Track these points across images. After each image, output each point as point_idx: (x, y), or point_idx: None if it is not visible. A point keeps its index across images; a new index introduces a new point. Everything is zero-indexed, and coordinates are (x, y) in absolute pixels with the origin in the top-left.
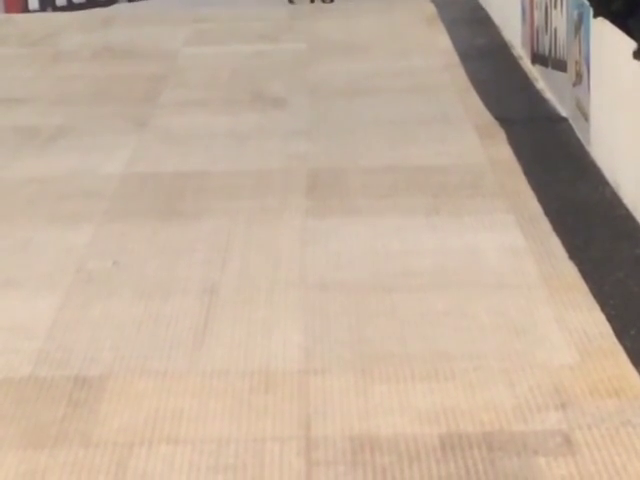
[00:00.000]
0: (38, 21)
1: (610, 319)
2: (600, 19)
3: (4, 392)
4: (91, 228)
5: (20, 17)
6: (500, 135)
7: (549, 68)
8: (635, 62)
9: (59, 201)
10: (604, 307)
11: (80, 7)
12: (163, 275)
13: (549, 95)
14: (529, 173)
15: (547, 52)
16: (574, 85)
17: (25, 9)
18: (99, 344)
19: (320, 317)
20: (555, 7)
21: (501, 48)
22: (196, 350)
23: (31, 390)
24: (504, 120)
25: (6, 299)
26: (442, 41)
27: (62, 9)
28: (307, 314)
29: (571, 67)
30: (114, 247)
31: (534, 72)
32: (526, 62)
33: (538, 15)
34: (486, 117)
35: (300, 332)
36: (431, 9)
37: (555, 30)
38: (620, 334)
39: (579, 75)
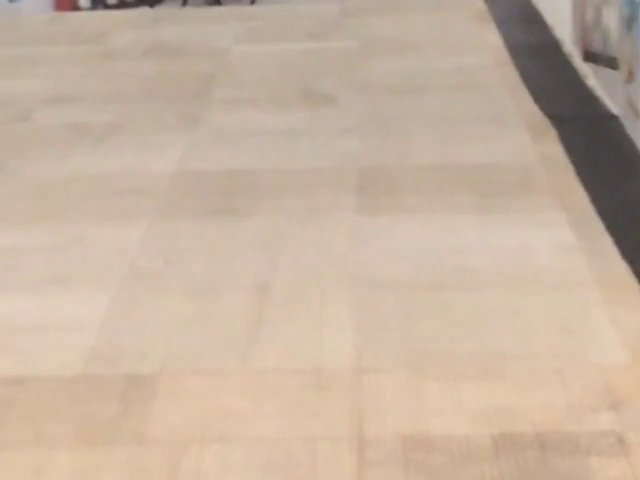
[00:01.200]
0: (89, 19)
1: None
2: None
3: (57, 390)
4: (143, 226)
5: (71, 15)
6: (551, 133)
7: (600, 66)
8: None
9: (111, 198)
10: None
11: (131, 5)
12: (214, 273)
13: (600, 93)
14: (580, 171)
15: (598, 50)
16: (626, 83)
17: (76, 7)
18: (151, 342)
19: (372, 315)
20: (607, 4)
21: (552, 46)
22: (248, 348)
23: (83, 388)
24: (555, 118)
25: (57, 296)
26: (492, 38)
27: (113, 7)
28: (359, 312)
29: (623, 65)
30: (165, 245)
31: (585, 70)
32: (577, 60)
33: (589, 12)
34: (537, 115)
35: (352, 331)
36: (481, 6)
37: (607, 27)
38: None
39: (631, 73)
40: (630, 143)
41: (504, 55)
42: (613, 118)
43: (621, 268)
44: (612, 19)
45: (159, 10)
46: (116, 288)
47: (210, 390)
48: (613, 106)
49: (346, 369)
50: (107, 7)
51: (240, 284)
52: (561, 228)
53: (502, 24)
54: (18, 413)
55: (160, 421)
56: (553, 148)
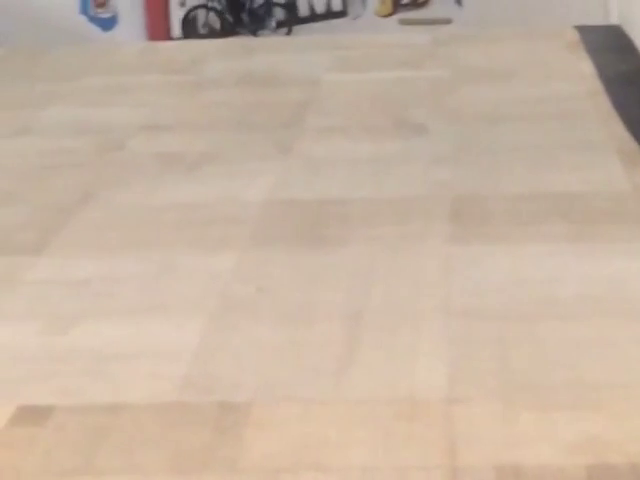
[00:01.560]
0: (181, 48)
1: None
2: None
3: (150, 417)
4: (235, 254)
5: (163, 44)
6: None
7: None
8: None
9: (203, 227)
10: None
11: (223, 34)
12: (307, 301)
13: None
14: None
15: None
16: None
17: (168, 36)
18: (244, 370)
19: (465, 345)
20: None
21: None
22: (340, 377)
23: (177, 415)
24: None
25: (151, 324)
26: (585, 67)
27: (205, 36)
28: (451, 342)
29: None
30: (258, 273)
31: None
32: None
33: None
34: (630, 144)
35: (445, 360)
36: (573, 35)
37: None
38: None
39: None
40: None
41: (596, 83)
42: None
43: None
44: None
45: (250, 39)
46: (209, 316)
47: (303, 418)
48: None
49: (439, 398)
50: (199, 36)
51: (333, 312)
52: None
53: (594, 53)
54: (112, 441)
55: (253, 449)
56: None
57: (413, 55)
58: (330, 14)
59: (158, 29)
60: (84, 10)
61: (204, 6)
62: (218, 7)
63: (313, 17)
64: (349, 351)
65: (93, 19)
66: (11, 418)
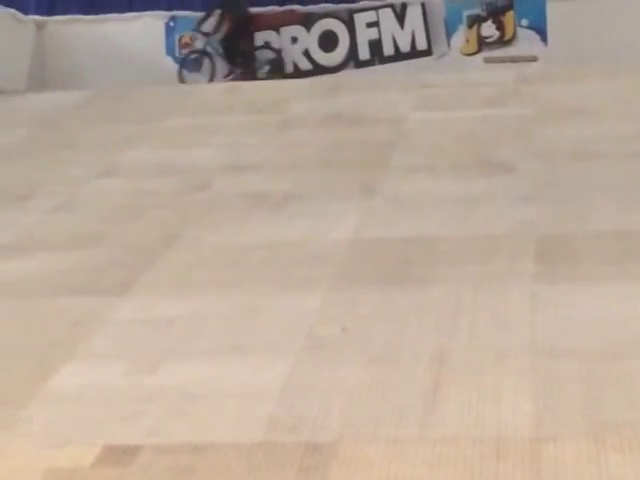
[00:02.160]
0: (266, 88)
1: None
2: None
3: (236, 458)
4: (320, 294)
5: (248, 84)
6: None
7: None
8: None
9: (288, 267)
10: None
11: (307, 74)
12: (392, 341)
13: None
14: None
15: None
16: None
17: (253, 77)
18: (329, 410)
19: (551, 384)
20: None
21: None
22: (426, 416)
23: (262, 456)
24: None
25: (237, 365)
26: None
27: (289, 76)
28: (537, 381)
29: None
30: (343, 313)
31: None
32: None
33: None
34: None
35: (530, 399)
36: None
37: None
38: None
39: None
40: None
41: None
42: None
43: None
44: None
45: (335, 78)
46: (294, 356)
47: (389, 458)
48: None
49: (525, 438)
50: (284, 76)
51: (418, 351)
52: None
53: None
54: None
55: None
56: None
57: (498, 93)
58: (415, 53)
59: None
60: (170, 51)
61: (202, 51)
62: (211, 51)
63: (397, 56)
64: (435, 390)
65: (179, 60)
66: (97, 457)
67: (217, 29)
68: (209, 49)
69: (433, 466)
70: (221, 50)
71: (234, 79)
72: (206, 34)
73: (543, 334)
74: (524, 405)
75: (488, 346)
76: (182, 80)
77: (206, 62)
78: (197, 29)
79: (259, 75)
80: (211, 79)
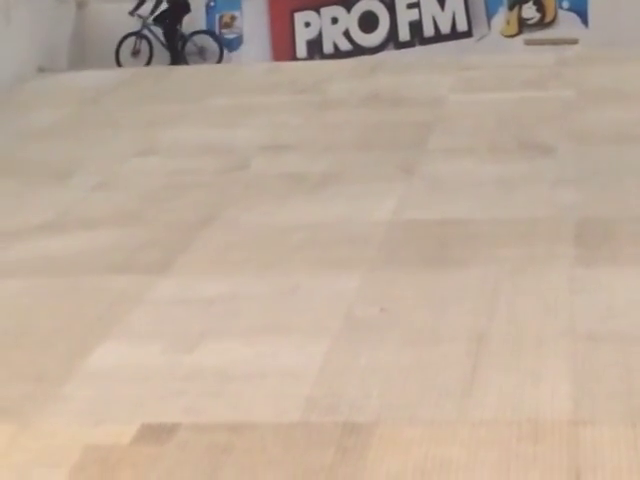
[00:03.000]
0: (306, 69)
1: None
2: None
3: (274, 437)
4: (359, 275)
5: (288, 65)
6: None
7: None
8: None
9: (327, 247)
10: None
11: (347, 55)
12: (431, 322)
13: None
14: None
15: None
16: None
17: (293, 57)
18: (367, 391)
19: (589, 368)
20: None
21: None
22: (464, 399)
23: (300, 436)
24: None
25: (275, 345)
26: None
27: (329, 57)
28: (576, 364)
29: None
30: (381, 294)
31: None
32: None
33: None
34: None
35: (569, 382)
36: None
37: None
38: None
39: None
40: None
41: None
42: None
43: None
44: None
45: (375, 59)
46: (333, 337)
47: (426, 439)
48: None
49: (563, 421)
50: (324, 57)
51: (456, 334)
52: None
53: None
54: (235, 459)
55: (376, 469)
56: None
57: (539, 75)
58: (455, 34)
59: (283, 49)
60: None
61: (136, 33)
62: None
63: (438, 37)
64: (473, 373)
65: (218, 39)
66: (135, 436)
67: (153, 12)
68: (147, 33)
69: (471, 448)
70: (160, 35)
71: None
72: (142, 17)
73: (582, 318)
74: (562, 388)
75: (527, 329)
76: (119, 64)
77: (144, 46)
78: (132, 13)
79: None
80: (148, 63)
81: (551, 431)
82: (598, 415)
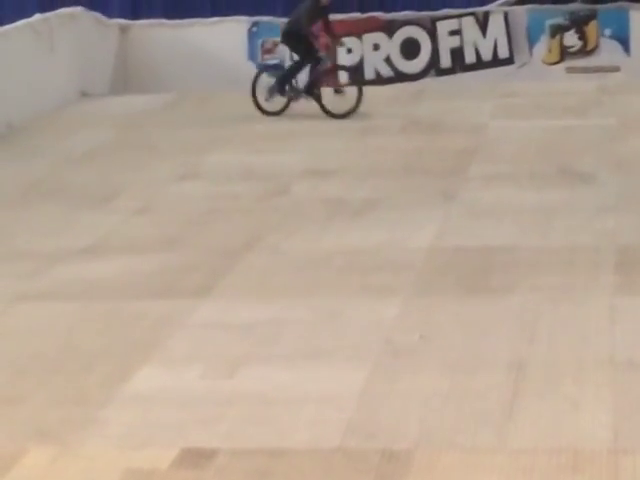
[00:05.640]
0: (347, 95)
1: None
2: None
3: (313, 463)
4: (399, 301)
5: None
6: None
7: None
8: None
9: (367, 273)
10: None
11: (388, 81)
12: (470, 349)
13: None
14: None
15: None
16: None
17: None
18: (406, 417)
19: (629, 396)
20: None
21: None
22: (503, 426)
23: (339, 461)
24: None
25: (315, 370)
26: None
27: (371, 83)
28: (616, 393)
29: None
30: (421, 320)
31: None
32: None
33: None
34: None
35: (609, 411)
36: None
37: None
38: None
39: None
40: None
41: None
42: None
43: None
44: None
45: (416, 85)
46: (372, 362)
47: (465, 467)
48: None
49: (602, 450)
50: (365, 83)
51: (496, 361)
52: None
53: None
54: None
55: None
56: None
57: (580, 103)
58: (496, 61)
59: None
60: (252, 56)
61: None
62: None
63: (479, 64)
64: (512, 400)
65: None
66: (175, 460)
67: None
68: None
69: (510, 476)
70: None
71: None
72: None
73: (622, 346)
74: (602, 417)
75: (567, 357)
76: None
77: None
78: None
79: None
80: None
81: (591, 460)
82: (638, 444)
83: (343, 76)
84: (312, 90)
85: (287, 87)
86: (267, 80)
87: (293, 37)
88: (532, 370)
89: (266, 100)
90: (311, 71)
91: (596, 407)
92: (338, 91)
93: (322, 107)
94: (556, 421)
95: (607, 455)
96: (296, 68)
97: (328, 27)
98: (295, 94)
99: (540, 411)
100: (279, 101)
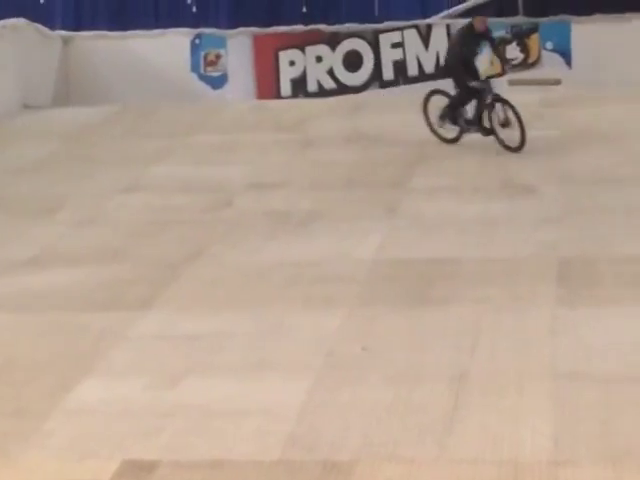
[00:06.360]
0: (290, 107)
1: None
2: None
3: (255, 474)
4: (342, 313)
5: (273, 103)
6: None
7: None
8: None
9: (311, 285)
10: None
11: (331, 93)
12: (412, 361)
13: None
14: None
15: None
16: None
17: (277, 95)
18: (348, 429)
19: (569, 407)
20: None
21: None
22: (445, 437)
23: (281, 473)
24: None
25: (258, 382)
26: None
27: (314, 95)
28: (556, 404)
29: None
30: (364, 332)
31: None
32: None
33: None
34: None
35: (549, 422)
36: None
37: None
38: None
39: None
40: None
41: None
42: None
43: None
44: None
45: (359, 98)
46: (315, 374)
47: (406, 478)
48: None
49: (542, 461)
50: (308, 95)
51: (438, 372)
52: None
53: None
54: None
55: None
56: None
57: (522, 116)
58: (439, 74)
59: (267, 88)
60: (195, 68)
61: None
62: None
63: (422, 76)
64: (454, 412)
65: (203, 77)
66: (116, 472)
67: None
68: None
69: None
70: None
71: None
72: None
73: (564, 358)
74: (543, 428)
75: (508, 369)
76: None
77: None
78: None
79: None
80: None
81: (531, 471)
82: (578, 455)
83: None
84: (481, 123)
85: (458, 117)
86: (437, 104)
87: (451, 70)
88: (474, 381)
89: (439, 127)
90: (478, 103)
91: (537, 418)
92: (505, 124)
93: (500, 142)
94: (497, 432)
95: (547, 466)
96: (459, 100)
97: (498, 52)
98: (466, 126)
99: (481, 422)
100: (453, 129)
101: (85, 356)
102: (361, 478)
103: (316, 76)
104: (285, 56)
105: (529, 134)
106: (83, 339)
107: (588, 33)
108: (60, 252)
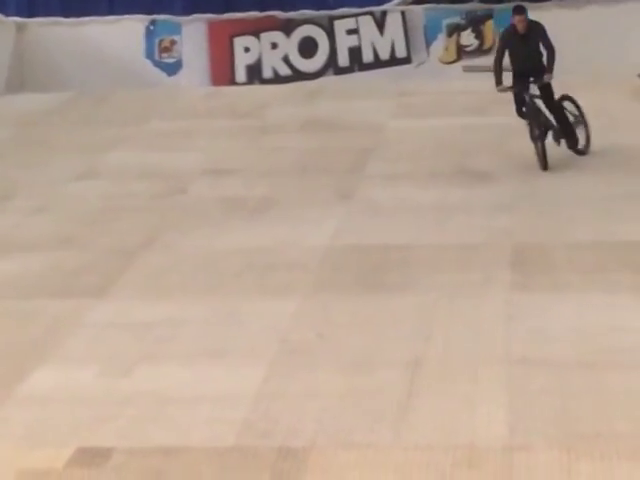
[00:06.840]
0: (245, 94)
1: None
2: None
3: (209, 461)
4: (296, 299)
5: (228, 90)
6: None
7: None
8: None
9: (265, 272)
10: None
11: (286, 80)
12: (367, 348)
13: None
14: None
15: None
16: None
17: (232, 82)
18: (302, 415)
19: (524, 393)
20: None
21: None
22: (399, 423)
23: (235, 460)
24: None
25: (212, 369)
26: None
27: (269, 82)
28: (511, 390)
29: None
30: (318, 319)
31: None
32: None
33: None
34: None
35: (504, 408)
36: (637, 83)
37: None
38: None
39: None
40: None
41: None
42: None
43: None
44: None
45: (314, 84)
46: (269, 361)
47: (361, 464)
48: None
49: (497, 446)
50: (263, 82)
51: (392, 359)
52: None
53: None
54: None
55: None
56: None
57: (477, 102)
58: (394, 60)
59: (222, 74)
60: (149, 55)
61: None
62: None
63: (377, 63)
64: (408, 398)
65: (158, 64)
66: (70, 459)
67: None
68: None
69: (405, 472)
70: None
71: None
72: None
73: (518, 343)
74: (498, 414)
75: (463, 355)
76: None
77: None
78: None
79: None
80: None
81: (486, 456)
82: (533, 440)
83: None
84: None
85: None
86: None
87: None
88: (428, 367)
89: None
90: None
91: (491, 404)
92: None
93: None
94: (452, 418)
95: (502, 451)
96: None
97: (550, 54)
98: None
99: (436, 408)
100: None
101: (39, 343)
102: (316, 464)
103: (271, 63)
104: (240, 42)
105: (485, 121)
106: (37, 326)
107: (543, 19)
108: (14, 239)
